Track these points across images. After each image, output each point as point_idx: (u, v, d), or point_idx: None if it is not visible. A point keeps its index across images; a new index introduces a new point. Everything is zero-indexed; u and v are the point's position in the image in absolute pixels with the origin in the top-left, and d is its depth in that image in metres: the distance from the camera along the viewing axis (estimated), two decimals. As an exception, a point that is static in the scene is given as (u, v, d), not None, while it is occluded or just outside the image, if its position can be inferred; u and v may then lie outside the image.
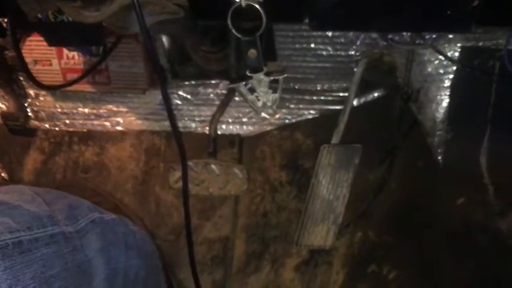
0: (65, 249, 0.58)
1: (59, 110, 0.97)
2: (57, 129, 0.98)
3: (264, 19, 0.52)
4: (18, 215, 0.54)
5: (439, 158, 0.87)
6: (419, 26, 0.59)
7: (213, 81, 0.92)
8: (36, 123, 0.98)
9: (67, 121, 0.98)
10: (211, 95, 0.93)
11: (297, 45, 0.88)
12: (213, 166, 0.90)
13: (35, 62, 0.89)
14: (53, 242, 0.57)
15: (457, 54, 0.82)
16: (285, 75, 0.59)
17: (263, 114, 0.91)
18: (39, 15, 0.63)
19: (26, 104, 0.98)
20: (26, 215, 0.55)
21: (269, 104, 0.61)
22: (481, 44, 0.81)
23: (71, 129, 0.98)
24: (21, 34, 0.80)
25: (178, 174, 0.90)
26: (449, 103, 0.84)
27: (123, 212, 0.91)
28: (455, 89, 0.83)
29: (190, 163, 0.88)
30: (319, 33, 0.86)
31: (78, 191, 0.91)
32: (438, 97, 0.85)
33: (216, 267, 0.93)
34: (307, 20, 0.57)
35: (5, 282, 0.49)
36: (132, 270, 0.72)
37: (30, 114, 0.98)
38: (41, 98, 0.97)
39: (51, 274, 0.55)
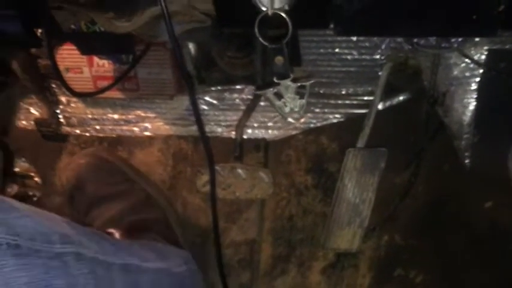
0: (76, 271, 0.53)
1: (90, 116, 1.00)
2: (87, 134, 1.01)
3: (291, 27, 0.53)
4: (22, 227, 0.49)
5: (466, 161, 0.86)
6: (445, 31, 0.59)
7: (238, 87, 0.93)
8: (68, 129, 1.01)
9: (97, 127, 1.00)
10: (237, 100, 0.94)
11: (322, 50, 0.89)
12: (239, 170, 0.91)
13: (67, 70, 0.92)
14: (60, 260, 0.51)
15: (483, 57, 0.81)
16: (312, 81, 0.60)
17: (289, 119, 0.92)
18: (73, 26, 0.66)
19: (57, 111, 1.00)
20: (31, 227, 0.50)
21: (296, 109, 0.62)
22: (507, 47, 0.80)
23: (101, 135, 1.00)
24: (55, 43, 0.83)
25: (205, 178, 0.91)
26: (476, 106, 0.84)
27: (155, 201, 0.90)
28: (482, 92, 0.83)
29: (217, 167, 0.89)
30: (344, 37, 0.87)
31: (107, 175, 0.90)
32: (464, 100, 0.84)
33: (242, 270, 0.94)
34: (332, 26, 0.58)
35: None
36: None
37: (62, 120, 1.01)
38: (72, 105, 1.00)
39: (55, 283, 0.50)
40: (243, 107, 0.94)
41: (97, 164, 0.90)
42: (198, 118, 0.62)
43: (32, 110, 1.01)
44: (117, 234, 0.82)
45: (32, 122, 1.00)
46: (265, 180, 0.91)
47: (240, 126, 0.93)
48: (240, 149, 0.93)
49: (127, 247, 0.68)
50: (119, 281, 0.60)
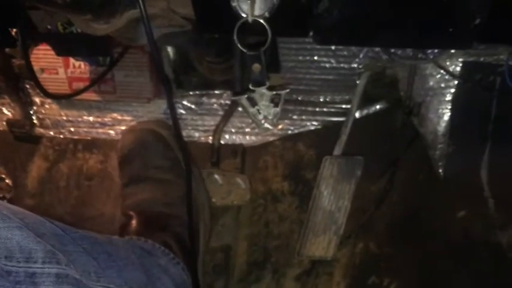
0: None
1: (64, 117, 0.98)
2: (61, 136, 0.99)
3: (270, 34, 0.53)
4: (4, 240, 0.47)
5: (440, 171, 0.87)
6: (421, 43, 0.60)
7: (216, 92, 0.93)
8: (41, 130, 0.99)
9: (72, 129, 0.99)
10: (215, 105, 0.94)
11: (301, 57, 0.89)
12: (216, 176, 0.90)
13: (42, 70, 0.90)
14: (32, 282, 0.48)
15: (458, 69, 0.83)
16: (287, 90, 0.60)
17: (266, 125, 0.92)
18: (49, 26, 0.65)
19: (31, 112, 0.99)
20: (15, 242, 0.48)
21: (270, 117, 0.62)
22: (482, 59, 0.82)
23: (76, 137, 0.99)
24: (30, 43, 0.82)
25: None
26: (451, 117, 0.85)
27: (191, 200, 0.81)
28: (457, 103, 0.84)
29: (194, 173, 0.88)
30: (323, 46, 0.87)
31: (158, 153, 0.86)
32: (439, 111, 0.85)
33: (217, 276, 0.93)
34: (311, 35, 0.59)
35: None
36: None
37: (35, 121, 0.99)
38: (47, 106, 0.98)
39: None
40: (221, 112, 0.94)
41: (153, 141, 0.86)
42: (176, 123, 0.61)
43: (5, 111, 0.99)
44: (134, 222, 0.81)
45: (4, 123, 0.98)
46: (242, 187, 0.91)
47: (218, 131, 0.93)
48: (217, 155, 0.93)
49: (117, 266, 0.64)
50: None
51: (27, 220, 0.52)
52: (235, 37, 0.53)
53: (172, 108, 0.61)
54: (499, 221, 0.86)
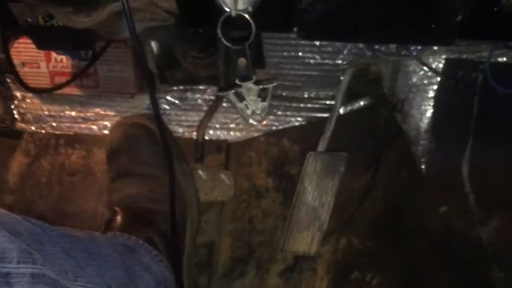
0: None
1: (46, 112, 0.97)
2: (43, 131, 0.98)
3: (254, 29, 0.53)
4: None
5: (422, 167, 0.88)
6: (405, 39, 0.61)
7: (201, 87, 0.93)
8: (23, 125, 0.98)
9: (54, 124, 0.98)
10: (199, 101, 0.94)
11: (285, 53, 0.89)
12: (200, 172, 0.90)
13: (23, 64, 0.89)
14: (5, 282, 0.48)
15: (441, 65, 0.83)
16: (275, 84, 0.61)
17: (250, 121, 0.92)
18: (30, 19, 0.64)
19: (12, 106, 0.97)
20: None
21: (258, 112, 0.62)
22: (464, 56, 0.83)
23: (58, 132, 0.97)
24: (10, 37, 0.80)
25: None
26: (433, 113, 0.86)
27: (178, 197, 0.83)
28: (439, 100, 0.85)
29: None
30: (307, 42, 0.87)
31: (145, 148, 0.85)
32: (422, 107, 0.86)
33: (201, 272, 0.93)
34: (295, 30, 0.59)
35: None
36: None
37: (16, 116, 0.98)
38: (28, 100, 0.97)
39: None
40: (205, 108, 0.93)
41: (142, 136, 0.85)
42: (158, 117, 0.61)
43: (-15, 105, 0.97)
44: (119, 217, 0.81)
45: (-15, 118, 0.97)
46: (226, 182, 0.91)
47: (202, 127, 0.93)
48: (201, 150, 0.92)
49: (97, 264, 0.64)
50: None
51: (2, 219, 0.51)
52: (219, 31, 0.53)
53: (154, 103, 0.60)
54: (479, 216, 0.88)
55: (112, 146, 0.87)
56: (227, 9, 0.52)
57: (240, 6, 0.52)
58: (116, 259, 0.69)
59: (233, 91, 0.61)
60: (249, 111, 0.65)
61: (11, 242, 0.49)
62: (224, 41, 0.54)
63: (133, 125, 0.87)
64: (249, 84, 0.61)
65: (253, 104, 0.64)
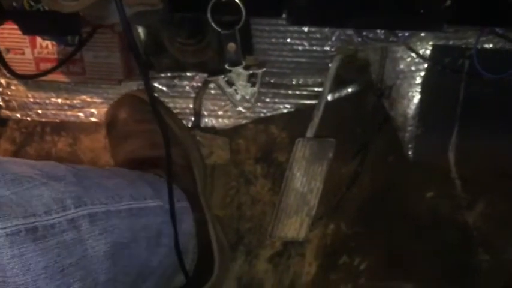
0: (87, 234, 0.55)
1: (31, 99, 0.96)
2: (29, 119, 0.96)
3: (244, 13, 0.53)
4: (37, 197, 0.51)
5: (409, 152, 0.89)
6: (393, 24, 0.61)
7: (188, 74, 0.92)
8: (7, 112, 0.97)
9: (39, 111, 0.96)
10: (187, 88, 0.93)
11: (273, 40, 0.89)
12: (198, 138, 0.91)
13: (7, 50, 0.88)
14: (73, 227, 0.53)
15: (428, 52, 0.84)
16: (264, 69, 0.61)
17: (239, 108, 0.92)
18: (14, 3, 0.63)
19: (-4, 93, 0.96)
20: (47, 196, 0.52)
21: (247, 97, 0.62)
22: (451, 42, 0.83)
23: (43, 120, 0.96)
24: (-6, 22, 0.79)
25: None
26: (420, 100, 0.86)
27: (176, 141, 0.88)
28: (426, 86, 0.86)
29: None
30: (296, 28, 0.87)
31: (137, 109, 0.88)
32: (410, 93, 0.87)
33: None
34: (284, 15, 0.58)
35: (11, 270, 0.46)
36: (157, 259, 0.70)
37: (1, 103, 0.96)
38: (13, 87, 0.95)
39: (68, 263, 0.52)
40: (193, 95, 0.93)
41: (135, 102, 0.89)
42: (153, 98, 0.60)
43: (-31, 92, 0.96)
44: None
45: (-32, 105, 0.95)
46: (223, 148, 0.92)
47: (199, 97, 0.92)
48: (198, 119, 0.92)
49: (130, 185, 0.70)
50: (125, 226, 0.62)
51: (45, 169, 0.57)
52: (208, 16, 0.53)
53: (148, 86, 0.60)
54: (465, 201, 0.89)
55: (108, 118, 0.90)
56: (217, -7, 0.52)
57: (230, -10, 0.51)
58: (140, 178, 0.75)
59: (223, 76, 0.61)
60: (238, 96, 0.65)
61: (62, 192, 0.55)
62: (214, 26, 0.54)
63: (126, 96, 0.90)
64: (239, 69, 0.61)
65: (242, 89, 0.64)
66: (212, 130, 0.93)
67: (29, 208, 0.50)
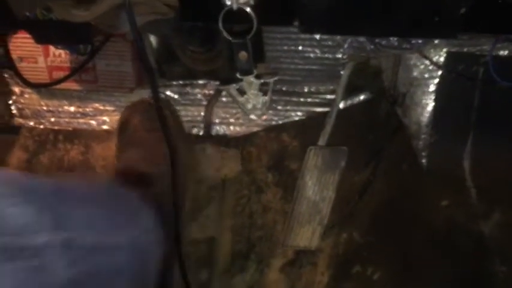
0: (54, 263, 0.54)
1: (44, 108, 0.96)
2: (42, 127, 0.97)
3: (255, 22, 0.53)
4: (12, 217, 0.51)
5: (423, 161, 0.88)
6: (408, 32, 0.60)
7: (200, 82, 0.92)
8: (21, 121, 0.97)
9: (52, 119, 0.97)
10: (199, 95, 0.93)
11: (285, 47, 0.89)
12: (208, 149, 0.91)
13: (21, 59, 0.88)
14: (42, 253, 0.53)
15: (442, 59, 0.83)
16: (276, 78, 0.60)
17: (250, 116, 0.92)
18: (27, 13, 0.63)
19: (10, 102, 0.96)
20: (22, 218, 0.52)
21: (259, 106, 0.62)
22: (465, 49, 0.82)
23: (56, 128, 0.97)
24: (8, 31, 0.80)
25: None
26: (434, 107, 0.85)
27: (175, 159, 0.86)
28: (440, 94, 0.85)
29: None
30: (307, 35, 0.87)
31: (148, 117, 0.89)
32: (423, 101, 0.86)
33: (201, 267, 0.93)
34: (296, 23, 0.58)
35: None
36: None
37: (14, 111, 0.97)
38: (26, 96, 0.96)
39: None
40: (205, 103, 0.93)
41: (144, 108, 0.89)
42: (160, 109, 0.60)
43: (-17, 101, 0.96)
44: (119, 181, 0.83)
45: (-18, 114, 0.96)
46: (234, 160, 0.91)
47: (210, 106, 0.92)
48: (209, 130, 0.92)
49: (106, 213, 0.69)
50: (92, 258, 0.61)
51: (27, 188, 0.56)
52: (220, 25, 0.52)
53: (156, 97, 0.60)
54: (481, 210, 0.88)
55: (121, 120, 0.90)
56: (228, 3, 0.51)
57: (242, -1, 0.51)
58: (119, 205, 0.73)
59: (234, 85, 0.61)
60: (250, 105, 0.64)
61: (38, 216, 0.53)
62: (226, 35, 0.54)
63: (140, 101, 0.90)
64: (250, 78, 0.60)
65: (254, 98, 0.64)
66: (223, 142, 0.92)
67: (2, 227, 0.49)
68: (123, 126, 0.90)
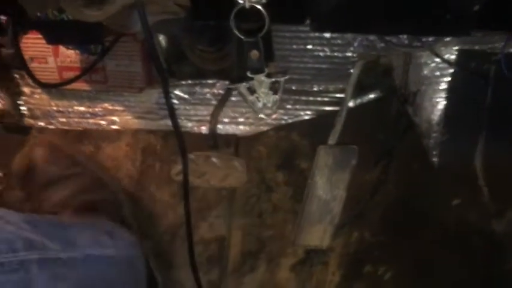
0: (36, 278, 0.56)
1: (54, 108, 0.97)
2: (52, 127, 0.97)
3: (267, 21, 0.52)
4: None
5: (434, 159, 0.87)
6: (419, 30, 0.60)
7: (209, 81, 0.92)
8: (31, 121, 0.98)
9: (62, 119, 0.97)
10: (208, 95, 0.93)
11: (294, 46, 0.88)
12: (213, 159, 0.90)
13: (31, 59, 0.88)
14: (23, 268, 0.54)
15: (453, 57, 0.83)
16: (287, 77, 0.60)
17: (260, 115, 0.91)
18: (39, 13, 0.63)
19: (20, 102, 0.97)
20: None
21: (269, 105, 0.61)
22: (477, 47, 0.82)
23: (66, 128, 0.97)
24: (20, 32, 0.80)
25: (179, 167, 0.90)
26: (445, 105, 0.85)
27: (106, 185, 0.90)
28: (451, 92, 0.84)
29: (191, 156, 0.89)
30: (317, 34, 0.86)
31: (55, 156, 0.90)
32: (434, 99, 0.85)
33: (211, 267, 0.93)
34: (308, 22, 0.58)
35: None
36: None
37: (25, 112, 0.97)
38: (36, 96, 0.96)
39: None
40: (214, 102, 0.93)
41: (47, 149, 0.90)
42: (171, 108, 0.60)
43: (-7, 101, 0.97)
44: (65, 216, 0.82)
45: (-7, 114, 0.96)
46: (239, 169, 0.91)
47: (215, 115, 0.92)
48: (214, 139, 0.92)
49: (84, 232, 0.70)
50: (78, 274, 0.62)
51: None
52: (232, 23, 0.52)
53: (167, 95, 0.59)
54: (493, 209, 0.87)
55: (20, 169, 0.89)
56: (240, 1, 0.51)
57: (254, -3, 0.51)
58: (94, 226, 0.75)
59: (244, 84, 0.60)
60: (260, 104, 0.64)
61: (13, 234, 0.55)
62: (237, 33, 0.53)
63: (32, 146, 0.91)
64: (261, 77, 0.60)
65: (264, 97, 0.63)
66: (232, 142, 0.92)
67: None
68: (23, 174, 0.89)
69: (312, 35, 0.87)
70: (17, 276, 0.52)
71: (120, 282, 0.71)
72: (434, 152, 0.87)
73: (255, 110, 0.65)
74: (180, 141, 0.62)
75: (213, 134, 0.92)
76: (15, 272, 0.52)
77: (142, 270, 0.81)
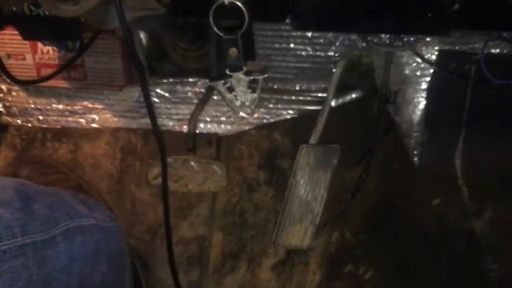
0: (32, 261, 0.57)
1: (32, 105, 0.95)
2: (29, 125, 0.96)
3: (247, 18, 0.52)
4: None
5: (415, 159, 0.88)
6: (400, 29, 0.60)
7: (191, 80, 0.91)
8: (8, 119, 0.96)
9: (40, 117, 0.96)
10: (189, 93, 0.92)
11: (277, 45, 0.88)
12: (192, 163, 0.89)
13: (8, 56, 0.87)
14: (21, 253, 0.55)
15: (434, 57, 0.83)
16: (265, 75, 0.59)
17: (241, 114, 0.91)
18: (14, 8, 0.62)
19: (-3, 99, 0.95)
20: None
21: (247, 103, 0.61)
22: (457, 47, 0.82)
23: (45, 126, 0.95)
24: (-5, 27, 0.78)
25: (157, 170, 0.89)
26: (426, 105, 0.85)
27: (86, 191, 0.90)
28: (432, 92, 0.85)
29: (169, 159, 0.87)
30: (299, 33, 0.86)
31: (40, 167, 0.90)
32: (415, 99, 0.86)
33: (192, 267, 0.92)
34: (288, 20, 0.57)
35: None
36: (98, 277, 0.70)
37: (1, 109, 0.95)
38: (14, 93, 0.95)
39: (18, 287, 0.54)
40: (195, 101, 0.92)
41: (30, 159, 0.91)
42: (150, 107, 0.59)
43: (-31, 98, 0.95)
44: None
45: (-31, 111, 0.94)
46: (219, 173, 0.90)
47: (194, 118, 0.91)
48: (193, 142, 0.91)
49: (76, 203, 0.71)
50: (62, 249, 0.63)
51: None
52: (211, 20, 0.52)
53: (146, 94, 0.58)
54: (472, 208, 0.88)
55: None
56: (219, -2, 0.51)
57: (233, -6, 0.50)
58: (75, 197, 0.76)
59: (222, 81, 0.60)
60: (238, 103, 0.63)
61: (10, 220, 0.56)
62: (216, 30, 0.53)
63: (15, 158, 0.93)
64: (239, 75, 0.59)
65: (242, 95, 0.62)
66: (211, 151, 0.91)
67: None
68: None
69: (294, 34, 0.87)
70: (19, 261, 0.54)
71: (109, 250, 0.71)
72: (415, 152, 0.87)
73: (233, 108, 0.64)
74: (160, 142, 0.61)
75: (192, 136, 0.91)
76: (16, 258, 0.54)
77: (123, 242, 0.80)
